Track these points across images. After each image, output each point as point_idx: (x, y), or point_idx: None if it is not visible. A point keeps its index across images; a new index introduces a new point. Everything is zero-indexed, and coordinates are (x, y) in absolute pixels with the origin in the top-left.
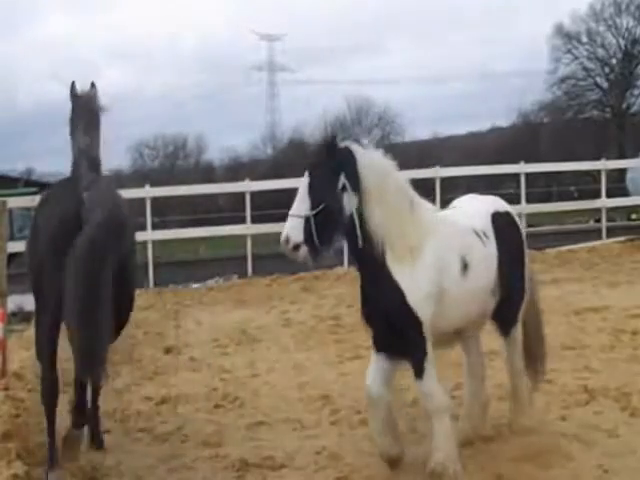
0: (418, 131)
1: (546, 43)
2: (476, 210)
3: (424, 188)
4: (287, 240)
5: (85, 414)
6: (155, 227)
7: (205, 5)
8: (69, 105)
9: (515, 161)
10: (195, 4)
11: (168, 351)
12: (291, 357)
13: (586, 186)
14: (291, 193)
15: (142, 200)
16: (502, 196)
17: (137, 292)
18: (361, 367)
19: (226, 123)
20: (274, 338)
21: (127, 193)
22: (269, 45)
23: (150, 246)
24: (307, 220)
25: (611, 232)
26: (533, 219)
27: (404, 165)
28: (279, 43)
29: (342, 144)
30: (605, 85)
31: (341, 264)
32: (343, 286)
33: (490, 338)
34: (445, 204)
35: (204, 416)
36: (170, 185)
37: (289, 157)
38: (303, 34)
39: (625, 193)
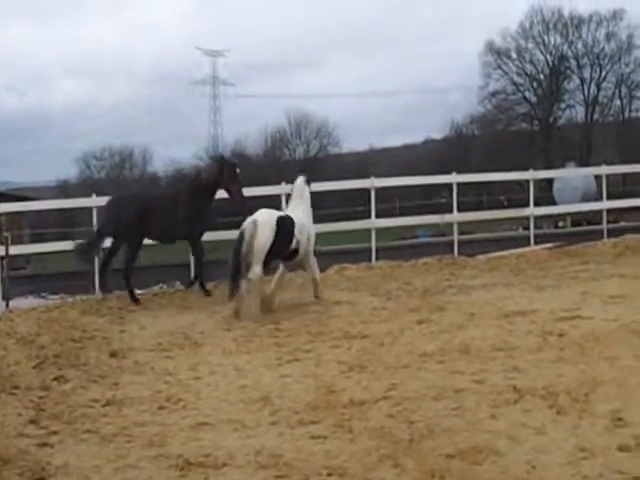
0: (356, 143)
1: (478, 59)
2: None
3: (360, 198)
4: None
5: None
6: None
7: (156, 21)
8: None
9: (448, 172)
10: (147, 20)
11: (113, 355)
12: (232, 360)
13: (515, 195)
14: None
15: (89, 209)
16: (435, 205)
17: (83, 298)
18: (300, 369)
19: (171, 135)
20: (216, 342)
21: (74, 203)
22: (212, 60)
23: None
24: None
25: (539, 239)
26: (465, 227)
27: (341, 175)
28: (222, 58)
29: None
30: (533, 99)
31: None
32: (283, 291)
33: (424, 341)
34: (380, 213)
35: (148, 417)
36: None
37: None
38: (247, 49)
39: (552, 202)
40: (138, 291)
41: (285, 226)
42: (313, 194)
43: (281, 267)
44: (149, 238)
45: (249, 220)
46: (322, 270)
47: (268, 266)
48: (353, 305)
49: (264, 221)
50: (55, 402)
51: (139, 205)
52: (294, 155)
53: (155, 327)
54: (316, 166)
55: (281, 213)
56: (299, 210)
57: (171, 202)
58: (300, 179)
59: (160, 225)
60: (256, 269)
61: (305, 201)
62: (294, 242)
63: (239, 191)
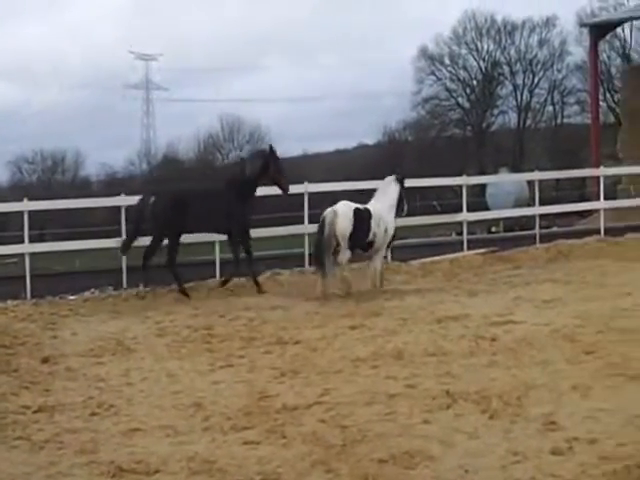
0: (290, 148)
1: (411, 65)
2: None
3: (294, 203)
4: None
5: None
6: (33, 240)
7: (89, 24)
8: None
9: (381, 177)
10: (80, 22)
11: (45, 361)
12: (165, 366)
13: (449, 201)
14: None
15: (20, 213)
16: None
17: (14, 303)
18: (233, 375)
19: (105, 139)
20: (148, 348)
21: (5, 207)
22: (145, 64)
23: (28, 259)
24: None
25: (472, 244)
26: (398, 232)
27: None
28: (155, 62)
29: None
30: (466, 105)
31: (214, 276)
32: (216, 297)
33: (357, 346)
34: (313, 218)
35: (80, 424)
36: (48, 199)
37: (163, 173)
38: (182, 53)
39: (485, 207)
40: (70, 297)
41: (361, 217)
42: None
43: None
44: (190, 232)
45: (329, 209)
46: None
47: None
48: (286, 310)
49: (342, 211)
50: None
51: (179, 200)
52: (227, 160)
53: (87, 333)
54: None
55: (359, 205)
56: (379, 204)
57: (214, 197)
58: (390, 177)
59: (201, 220)
60: (345, 254)
61: (388, 197)
62: (371, 234)
63: (287, 182)
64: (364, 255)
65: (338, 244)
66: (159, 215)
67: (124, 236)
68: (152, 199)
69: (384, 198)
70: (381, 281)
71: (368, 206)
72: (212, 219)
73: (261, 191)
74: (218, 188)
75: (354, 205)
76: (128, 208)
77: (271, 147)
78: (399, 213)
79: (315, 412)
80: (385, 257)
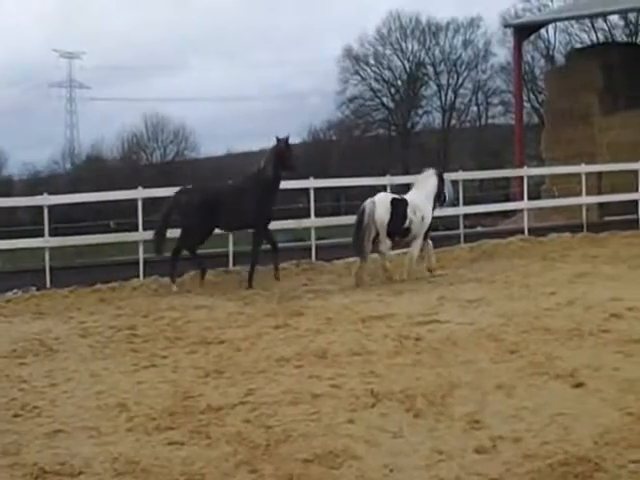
0: (214, 148)
1: (336, 65)
2: None
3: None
4: None
5: None
6: None
7: (14, 20)
8: None
9: (305, 177)
10: (4, 21)
11: None
12: (88, 367)
13: None
14: (88, 207)
15: None
16: (292, 210)
17: None
18: (156, 375)
19: (28, 138)
20: (72, 348)
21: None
22: (69, 62)
23: None
24: None
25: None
26: (323, 232)
27: (198, 180)
28: (78, 61)
29: None
30: (391, 105)
31: (138, 276)
32: (140, 297)
33: (281, 346)
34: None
35: (3, 426)
36: None
37: (87, 172)
38: (107, 51)
39: None
40: None
41: (398, 206)
42: (163, 199)
43: (428, 243)
44: (218, 228)
45: (369, 200)
46: (179, 275)
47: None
48: (210, 310)
49: (380, 201)
50: None
51: (207, 197)
52: (151, 159)
53: (9, 333)
54: (173, 170)
55: (396, 196)
56: (416, 195)
57: (239, 193)
58: (430, 171)
59: (228, 216)
60: (386, 242)
61: (426, 188)
62: (407, 221)
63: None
64: (403, 241)
65: (377, 232)
66: (191, 212)
67: (154, 234)
68: (185, 197)
69: (422, 189)
70: (410, 267)
71: (405, 196)
72: (242, 215)
73: None
74: (246, 185)
75: (391, 195)
76: (50, 208)
77: (285, 139)
78: (439, 203)
79: (239, 412)
80: (427, 243)
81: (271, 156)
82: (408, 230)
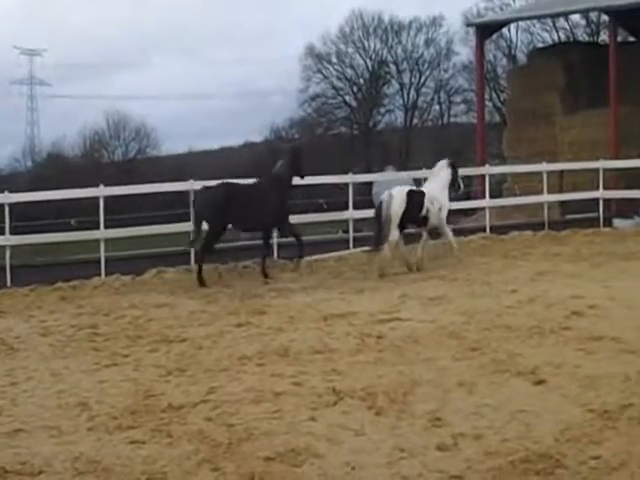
0: (176, 146)
1: (298, 63)
2: None
3: (181, 200)
4: None
5: None
6: None
7: None
8: None
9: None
10: None
11: None
12: (49, 366)
13: (336, 199)
14: (48, 205)
15: None
16: None
17: None
18: (118, 374)
19: None
20: (33, 347)
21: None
22: (30, 59)
23: None
24: None
25: (358, 242)
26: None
27: (160, 178)
28: (40, 58)
29: None
30: (353, 103)
31: (99, 274)
32: (101, 295)
33: (243, 344)
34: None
35: None
36: None
37: (48, 170)
38: (69, 49)
39: (372, 205)
40: None
41: (415, 197)
42: (124, 197)
43: (424, 235)
44: (235, 226)
45: (386, 193)
46: (139, 274)
47: (404, 230)
48: (172, 308)
49: (397, 193)
50: None
51: (228, 193)
52: (112, 157)
53: None
54: (135, 168)
55: (413, 187)
56: (432, 185)
57: (256, 192)
58: (443, 161)
59: (246, 214)
60: (394, 233)
61: (441, 179)
62: (424, 210)
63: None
64: (420, 230)
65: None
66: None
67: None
68: (205, 194)
69: (437, 180)
70: (455, 251)
71: (422, 188)
72: (255, 214)
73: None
74: (263, 185)
75: (408, 188)
76: (11, 207)
77: (298, 145)
78: (454, 192)
79: (201, 410)
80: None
81: (287, 158)
82: (426, 219)
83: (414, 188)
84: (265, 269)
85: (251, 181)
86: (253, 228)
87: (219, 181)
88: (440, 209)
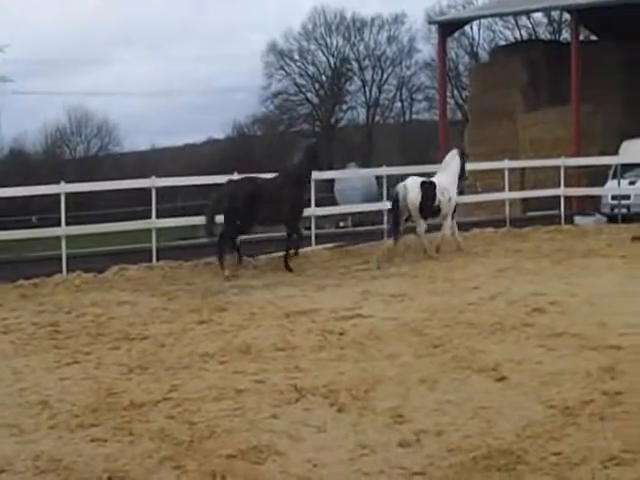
0: (138, 142)
1: (261, 60)
2: None
3: (141, 197)
4: None
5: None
6: None
7: None
8: None
9: (230, 172)
10: None
11: None
12: (10, 364)
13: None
14: (10, 202)
15: None
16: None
17: None
18: (79, 372)
19: None
20: None
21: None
22: None
23: None
24: None
25: (320, 239)
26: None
27: (122, 174)
28: (1, 54)
29: None
30: (315, 100)
31: (60, 271)
32: (62, 293)
33: (205, 342)
34: (161, 213)
35: None
36: None
37: (9, 166)
38: (31, 45)
39: (334, 202)
40: None
41: (427, 188)
42: (86, 194)
43: (448, 221)
44: (256, 222)
45: (400, 184)
46: (100, 271)
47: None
48: (133, 306)
49: (411, 185)
50: None
51: (250, 189)
52: (74, 154)
53: None
54: (97, 165)
55: (425, 179)
56: (443, 177)
57: (276, 189)
58: (453, 151)
59: (266, 210)
60: (421, 224)
61: (451, 170)
62: (437, 201)
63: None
64: (435, 221)
65: (410, 214)
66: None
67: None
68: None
69: (447, 171)
70: (438, 247)
71: (433, 179)
72: (275, 210)
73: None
74: (278, 182)
75: (421, 179)
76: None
77: (316, 143)
78: (462, 181)
79: (163, 408)
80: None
81: (305, 155)
82: (439, 210)
83: (425, 179)
84: (288, 263)
85: (270, 176)
86: (273, 223)
87: (243, 175)
88: (449, 200)
